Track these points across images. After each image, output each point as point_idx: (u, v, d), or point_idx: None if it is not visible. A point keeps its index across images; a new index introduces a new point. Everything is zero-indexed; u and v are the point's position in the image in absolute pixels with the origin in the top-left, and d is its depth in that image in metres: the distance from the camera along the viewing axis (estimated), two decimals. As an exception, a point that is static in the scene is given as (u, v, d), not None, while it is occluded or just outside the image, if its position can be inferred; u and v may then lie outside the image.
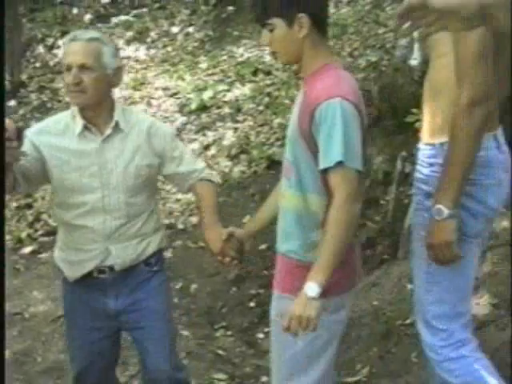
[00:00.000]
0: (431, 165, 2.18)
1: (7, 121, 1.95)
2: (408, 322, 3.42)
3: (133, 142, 2.36)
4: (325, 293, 1.95)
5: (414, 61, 4.67)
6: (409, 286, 3.62)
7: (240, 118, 5.51)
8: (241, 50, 6.67)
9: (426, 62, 4.66)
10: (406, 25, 1.53)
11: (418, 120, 4.29)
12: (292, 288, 2.04)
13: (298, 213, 2.09)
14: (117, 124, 2.34)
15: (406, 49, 4.76)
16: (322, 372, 2.14)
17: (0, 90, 2.29)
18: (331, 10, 6.69)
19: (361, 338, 3.47)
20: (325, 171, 1.98)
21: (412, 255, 2.31)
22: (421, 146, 2.26)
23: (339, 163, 1.94)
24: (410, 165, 4.32)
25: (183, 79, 6.40)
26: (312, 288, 1.91)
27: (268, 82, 5.80)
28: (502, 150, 2.19)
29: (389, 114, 4.56)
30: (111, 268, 2.40)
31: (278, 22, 2.03)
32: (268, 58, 6.25)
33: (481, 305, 3.34)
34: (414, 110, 4.33)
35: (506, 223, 3.59)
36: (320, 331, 2.00)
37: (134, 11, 8.68)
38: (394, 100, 4.55)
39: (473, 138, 2.02)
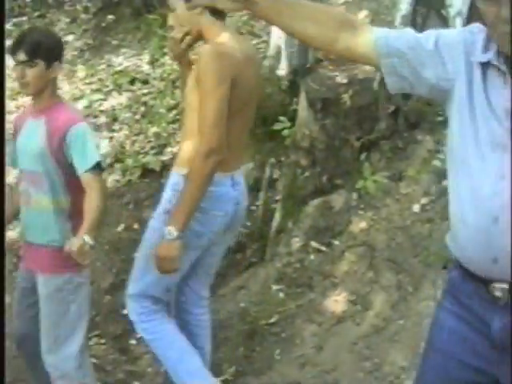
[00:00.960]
0: (173, 189, 2.69)
1: None
2: (272, 321, 3.58)
3: None
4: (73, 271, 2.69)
5: (282, 71, 4.85)
6: (274, 287, 3.78)
7: (116, 127, 5.54)
8: (119, 59, 6.67)
9: (293, 72, 4.87)
10: None
11: (285, 128, 4.50)
12: (57, 269, 2.69)
13: (54, 211, 2.69)
14: None
15: (274, 59, 4.93)
16: (82, 339, 2.80)
17: (0, 89, 2.57)
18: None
19: (228, 338, 3.59)
20: (82, 174, 2.63)
21: (141, 243, 2.87)
22: (172, 172, 2.79)
23: (95, 167, 2.63)
24: (278, 171, 4.50)
25: (60, 88, 6.34)
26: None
27: (145, 91, 5.85)
28: (236, 188, 2.72)
29: (258, 122, 4.70)
30: None
31: (39, 63, 2.64)
32: (145, 67, 6.29)
33: (339, 301, 3.54)
34: (282, 118, 4.52)
35: (363, 225, 3.81)
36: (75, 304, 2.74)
37: (14, 20, 8.48)
38: (263, 108, 4.71)
39: (204, 180, 2.52)
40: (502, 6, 1.46)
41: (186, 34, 2.69)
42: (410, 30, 1.71)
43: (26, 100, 6.39)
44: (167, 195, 2.72)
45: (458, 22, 4.55)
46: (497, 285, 1.60)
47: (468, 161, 1.61)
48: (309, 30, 1.67)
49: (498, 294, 1.60)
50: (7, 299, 4.44)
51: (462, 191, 1.62)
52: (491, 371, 1.67)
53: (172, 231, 2.52)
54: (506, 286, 1.59)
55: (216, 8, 2.48)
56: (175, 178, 2.71)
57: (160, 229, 2.66)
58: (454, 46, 1.63)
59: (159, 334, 2.81)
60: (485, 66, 1.59)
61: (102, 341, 3.98)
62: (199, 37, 2.70)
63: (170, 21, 2.77)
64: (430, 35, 1.66)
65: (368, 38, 1.66)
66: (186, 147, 2.67)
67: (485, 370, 1.68)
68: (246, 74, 2.61)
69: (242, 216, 2.88)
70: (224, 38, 2.62)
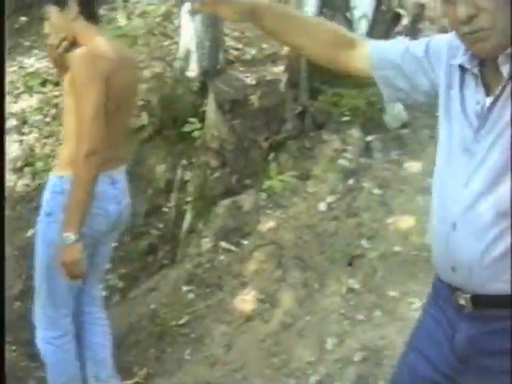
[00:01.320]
0: (52, 192, 2.73)
1: None
2: (182, 322, 3.61)
3: None
4: None
5: (192, 72, 4.88)
6: (184, 288, 3.81)
7: (26, 129, 5.46)
8: (31, 61, 6.57)
9: (203, 73, 4.90)
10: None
11: (196, 129, 4.53)
12: None
13: None
14: None
15: (184, 61, 4.95)
16: None
17: (0, 89, 2.50)
18: (123, 21, 6.77)
19: (138, 341, 3.60)
20: None
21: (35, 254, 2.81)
22: (50, 175, 2.83)
23: None
24: (189, 172, 4.53)
25: (-31, 91, 6.21)
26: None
27: (56, 93, 5.76)
28: (116, 186, 2.77)
29: (169, 124, 4.73)
30: None
31: None
32: (57, 69, 6.21)
33: (248, 300, 3.59)
34: (192, 120, 4.55)
35: (271, 224, 3.88)
36: None
37: None
38: (174, 110, 4.73)
39: (90, 181, 2.57)
40: (457, 5, 1.45)
41: (63, 39, 2.73)
42: (402, 39, 1.75)
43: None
44: (46, 198, 2.76)
45: (363, 24, 4.68)
46: (461, 293, 1.59)
47: (441, 167, 1.61)
48: (309, 47, 1.73)
49: (462, 302, 1.60)
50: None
51: (434, 197, 1.64)
52: (457, 380, 1.67)
53: (69, 236, 2.56)
54: (467, 295, 1.58)
55: (89, 13, 2.54)
56: (53, 181, 2.75)
57: (45, 233, 2.72)
58: (439, 51, 1.64)
59: (55, 357, 2.89)
60: (463, 69, 1.59)
61: (13, 348, 3.92)
62: (75, 42, 2.73)
63: (47, 28, 2.78)
64: (421, 42, 1.69)
65: (363, 53, 1.70)
66: (65, 150, 2.72)
67: (452, 378, 1.68)
68: (119, 76, 2.67)
69: (127, 215, 2.92)
70: (97, 41, 2.68)
